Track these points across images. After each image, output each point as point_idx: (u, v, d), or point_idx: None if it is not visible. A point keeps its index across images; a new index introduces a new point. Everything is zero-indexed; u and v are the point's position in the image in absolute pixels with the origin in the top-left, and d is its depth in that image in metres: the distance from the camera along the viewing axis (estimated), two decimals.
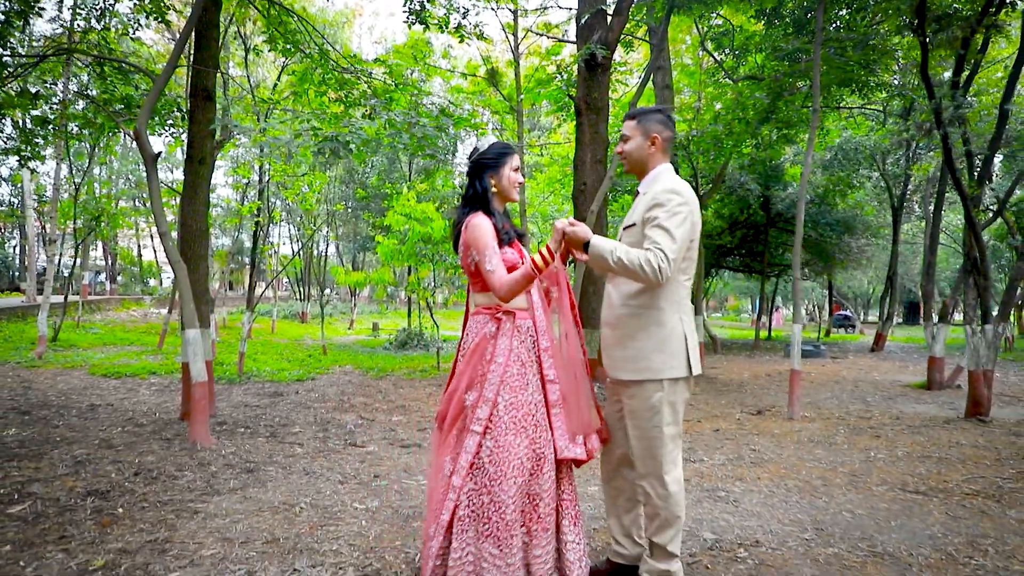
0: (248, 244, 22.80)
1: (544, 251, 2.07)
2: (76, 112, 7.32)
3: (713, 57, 11.14)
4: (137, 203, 25.66)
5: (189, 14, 5.18)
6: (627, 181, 11.99)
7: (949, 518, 3.23)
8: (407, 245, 9.97)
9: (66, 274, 15.93)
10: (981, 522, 3.17)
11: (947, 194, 10.07)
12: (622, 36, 8.46)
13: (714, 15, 9.76)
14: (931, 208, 10.36)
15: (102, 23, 7.07)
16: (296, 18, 7.15)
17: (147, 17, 6.87)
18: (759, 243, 16.60)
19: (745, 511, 3.30)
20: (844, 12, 7.80)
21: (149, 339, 12.55)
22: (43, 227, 22.02)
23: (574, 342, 2.21)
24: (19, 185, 21.61)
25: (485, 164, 2.27)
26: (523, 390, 2.15)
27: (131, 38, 7.70)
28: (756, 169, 13.11)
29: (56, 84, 9.02)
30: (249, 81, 11.79)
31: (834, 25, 7.92)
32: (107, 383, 7.30)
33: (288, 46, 7.13)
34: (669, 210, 2.08)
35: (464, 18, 8.47)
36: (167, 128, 7.41)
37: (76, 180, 12.09)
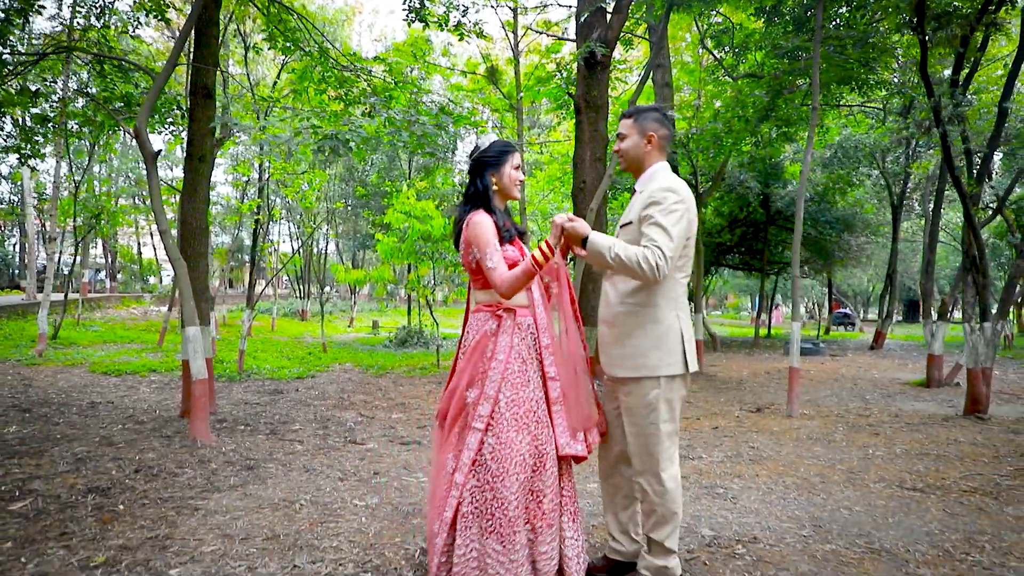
0: (248, 242, 22.86)
1: (544, 246, 2.08)
2: (76, 110, 7.31)
3: (713, 55, 11.12)
4: (137, 201, 25.63)
5: (189, 12, 5.18)
6: (626, 179, 11.98)
7: (947, 515, 3.24)
8: (407, 243, 9.97)
9: (66, 272, 15.96)
10: (978, 519, 3.18)
11: (946, 192, 10.06)
12: (622, 34, 8.45)
13: (714, 13, 9.75)
14: (930, 206, 10.37)
15: (102, 21, 7.08)
16: (296, 16, 7.16)
17: (147, 15, 6.89)
18: (759, 241, 16.59)
19: (743, 508, 3.31)
20: (844, 10, 7.79)
21: (149, 337, 12.56)
22: (43, 225, 22.05)
23: (574, 337, 2.21)
24: (19, 183, 21.62)
25: (486, 162, 2.29)
26: (524, 387, 2.16)
27: (131, 36, 7.70)
28: (756, 167, 13.09)
29: (56, 82, 9.02)
30: (249, 79, 11.82)
31: (834, 23, 7.91)
32: (107, 381, 7.31)
33: (288, 44, 7.13)
34: (665, 208, 2.09)
35: (464, 16, 8.46)
36: (167, 126, 7.42)
37: (76, 178, 12.11)
